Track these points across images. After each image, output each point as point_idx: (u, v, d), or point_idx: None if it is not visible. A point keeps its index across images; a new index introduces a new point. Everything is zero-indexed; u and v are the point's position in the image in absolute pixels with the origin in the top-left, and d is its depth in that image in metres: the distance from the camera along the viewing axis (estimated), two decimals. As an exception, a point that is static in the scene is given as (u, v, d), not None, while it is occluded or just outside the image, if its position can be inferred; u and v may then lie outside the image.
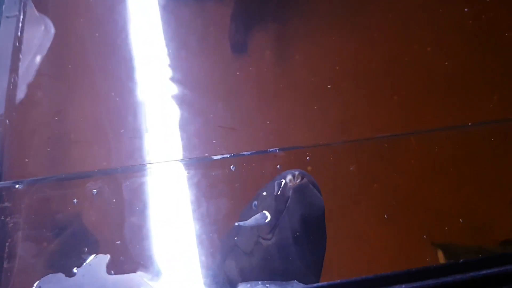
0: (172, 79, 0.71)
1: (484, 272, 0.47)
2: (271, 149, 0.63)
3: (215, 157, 0.62)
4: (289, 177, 0.51)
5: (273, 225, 0.51)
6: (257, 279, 0.51)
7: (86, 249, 0.53)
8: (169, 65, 0.73)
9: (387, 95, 0.71)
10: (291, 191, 0.50)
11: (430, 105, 0.70)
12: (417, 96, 0.71)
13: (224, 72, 0.73)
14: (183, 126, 0.66)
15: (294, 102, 0.70)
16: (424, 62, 0.74)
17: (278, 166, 0.62)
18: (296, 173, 0.51)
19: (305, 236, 0.51)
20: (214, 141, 0.64)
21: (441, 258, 0.56)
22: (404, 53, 0.75)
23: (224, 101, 0.70)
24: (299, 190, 0.50)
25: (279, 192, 0.59)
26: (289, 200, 0.51)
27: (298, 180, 0.50)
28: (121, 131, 0.64)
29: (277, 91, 0.71)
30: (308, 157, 0.64)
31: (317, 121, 0.68)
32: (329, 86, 0.71)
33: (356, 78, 0.73)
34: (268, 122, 0.67)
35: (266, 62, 0.75)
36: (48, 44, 0.77)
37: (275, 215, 0.51)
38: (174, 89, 0.70)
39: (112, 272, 0.51)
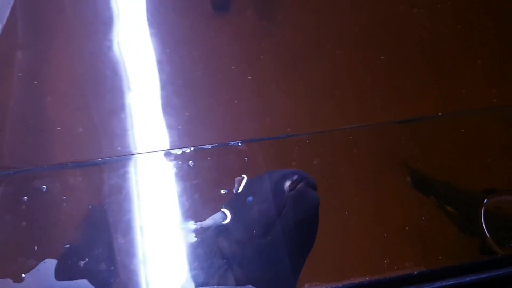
0: (150, 37, 0.67)
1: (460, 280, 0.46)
2: (232, 142, 0.61)
3: (173, 151, 0.60)
4: (287, 183, 0.51)
5: (269, 227, 0.51)
6: (247, 265, 0.52)
7: (36, 248, 0.51)
8: (147, 23, 0.68)
9: (373, 58, 0.68)
10: (288, 199, 0.51)
11: (403, 93, 0.68)
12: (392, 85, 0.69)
13: (204, 31, 0.70)
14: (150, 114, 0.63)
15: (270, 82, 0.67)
16: (409, 25, 0.71)
17: (246, 158, 0.60)
18: (295, 177, 0.51)
19: (297, 239, 0.53)
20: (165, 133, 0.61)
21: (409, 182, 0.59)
22: (390, 13, 0.72)
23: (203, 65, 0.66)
24: (296, 197, 0.51)
25: (239, 190, 0.58)
26: (285, 207, 0.51)
27: (296, 185, 0.51)
28: (80, 129, 0.61)
29: (256, 58, 0.68)
30: (272, 147, 0.61)
31: (290, 105, 0.66)
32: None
33: (341, 40, 0.70)
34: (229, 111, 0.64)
35: (248, 22, 0.71)
36: (8, 10, 0.72)
37: (271, 217, 0.51)
38: (152, 49, 0.66)
39: (61, 277, 0.50)
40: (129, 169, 0.58)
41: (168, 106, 0.63)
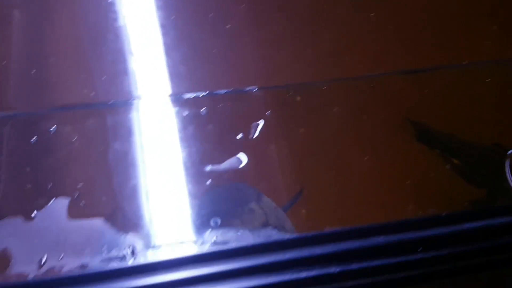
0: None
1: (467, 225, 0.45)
2: (248, 88, 0.59)
3: (185, 96, 0.57)
4: None
5: None
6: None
7: (51, 185, 0.49)
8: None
9: (382, 25, 0.66)
10: None
11: (425, 42, 0.65)
12: (414, 31, 0.66)
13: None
14: (163, 56, 0.61)
15: (283, 31, 0.64)
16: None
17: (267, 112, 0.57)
18: None
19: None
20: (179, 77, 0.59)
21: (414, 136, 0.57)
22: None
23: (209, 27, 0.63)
24: None
25: (255, 135, 0.56)
26: None
27: None
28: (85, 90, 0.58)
29: (268, 15, 0.65)
30: (290, 94, 0.59)
31: (304, 55, 0.63)
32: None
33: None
34: (251, 54, 0.62)
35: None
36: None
37: None
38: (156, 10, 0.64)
39: (73, 217, 0.48)
40: (138, 113, 0.56)
41: (177, 53, 0.61)
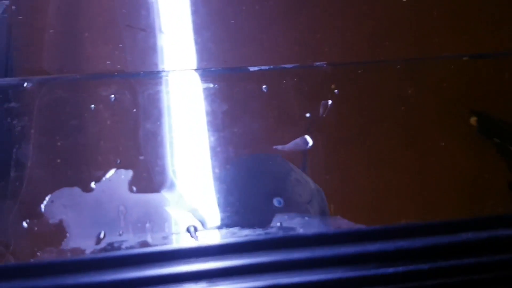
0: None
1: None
2: (317, 63, 0.55)
3: (251, 68, 0.54)
4: None
5: None
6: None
7: (119, 161, 0.46)
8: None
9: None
10: None
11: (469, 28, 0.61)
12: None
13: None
14: (201, 30, 0.57)
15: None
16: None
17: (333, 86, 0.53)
18: None
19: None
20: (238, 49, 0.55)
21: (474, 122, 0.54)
22: None
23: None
24: None
25: (324, 115, 0.52)
26: None
27: None
28: (138, 30, 0.55)
29: None
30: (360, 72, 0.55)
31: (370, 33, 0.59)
32: None
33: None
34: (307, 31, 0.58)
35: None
36: None
37: None
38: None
39: (134, 189, 0.45)
40: (196, 85, 0.53)
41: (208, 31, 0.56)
